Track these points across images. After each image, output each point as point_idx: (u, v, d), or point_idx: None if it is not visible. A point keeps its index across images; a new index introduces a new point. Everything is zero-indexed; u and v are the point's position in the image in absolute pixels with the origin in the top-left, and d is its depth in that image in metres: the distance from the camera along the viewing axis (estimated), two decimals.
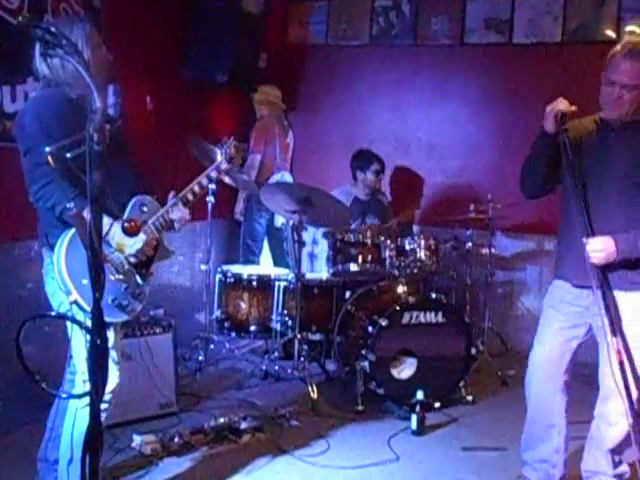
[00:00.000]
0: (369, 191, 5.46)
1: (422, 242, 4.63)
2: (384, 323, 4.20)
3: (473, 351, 4.43)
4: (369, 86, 6.16)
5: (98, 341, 1.57)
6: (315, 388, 4.31)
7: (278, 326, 4.89)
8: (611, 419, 2.98)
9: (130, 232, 2.42)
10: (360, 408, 4.19)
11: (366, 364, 4.17)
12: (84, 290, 2.51)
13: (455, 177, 5.92)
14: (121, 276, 2.72)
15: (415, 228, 5.95)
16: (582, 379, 3.22)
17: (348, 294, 4.87)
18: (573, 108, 2.86)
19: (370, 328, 4.24)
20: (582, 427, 3.20)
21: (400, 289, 4.57)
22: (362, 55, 6.16)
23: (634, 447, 2.72)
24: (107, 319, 2.53)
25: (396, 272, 4.58)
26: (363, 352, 4.21)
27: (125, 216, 2.75)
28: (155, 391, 3.89)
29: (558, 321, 3.07)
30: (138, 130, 4.83)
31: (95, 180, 1.54)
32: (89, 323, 1.62)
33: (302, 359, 4.63)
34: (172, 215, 2.88)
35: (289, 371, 4.68)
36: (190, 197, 2.95)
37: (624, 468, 3.12)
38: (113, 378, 2.72)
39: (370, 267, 4.59)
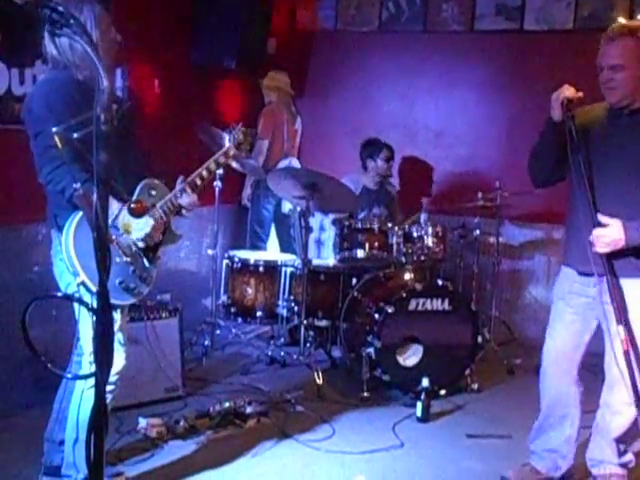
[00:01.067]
0: (379, 180, 5.44)
1: (429, 229, 4.63)
2: (390, 310, 4.19)
3: (479, 339, 4.42)
4: (378, 73, 6.12)
5: (103, 323, 1.57)
6: (320, 374, 4.32)
7: (284, 312, 4.90)
8: (616, 408, 2.97)
9: (136, 213, 2.42)
10: (365, 394, 4.19)
11: (372, 351, 4.17)
12: (92, 272, 2.48)
13: (463, 165, 5.89)
14: (128, 258, 2.72)
15: (423, 216, 5.92)
16: (589, 368, 3.21)
17: (355, 281, 4.86)
18: (579, 94, 2.84)
19: (376, 315, 4.24)
20: (588, 416, 3.19)
21: (407, 276, 4.57)
22: (371, 41, 6.12)
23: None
24: (114, 301, 2.60)
25: (403, 259, 4.57)
26: (369, 339, 4.21)
27: (134, 198, 2.73)
28: (161, 375, 3.90)
29: (568, 313, 3.05)
30: (146, 114, 4.82)
31: (102, 161, 1.53)
32: (95, 304, 1.62)
33: (308, 345, 4.64)
34: (180, 200, 2.88)
35: (295, 357, 4.70)
36: (198, 182, 2.94)
37: (629, 457, 3.13)
38: (119, 360, 2.74)
39: (377, 254, 4.58)
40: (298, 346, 4.72)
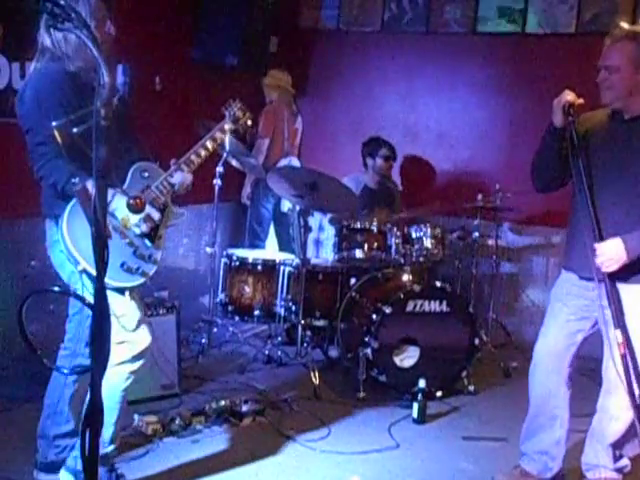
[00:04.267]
0: (379, 178, 5.44)
1: (428, 231, 4.63)
2: (388, 311, 4.19)
3: (476, 341, 4.42)
4: (379, 73, 6.12)
5: (100, 317, 1.56)
6: (317, 374, 4.31)
7: (282, 311, 4.89)
8: (613, 413, 2.98)
9: (135, 208, 2.41)
10: (362, 395, 4.19)
11: (369, 351, 4.17)
12: (91, 258, 2.50)
13: (463, 166, 5.89)
14: (127, 239, 2.71)
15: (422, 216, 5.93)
16: (586, 373, 3.21)
17: (353, 281, 4.85)
18: (580, 100, 2.85)
19: (374, 315, 4.24)
20: (584, 420, 3.19)
21: (405, 277, 4.56)
22: (373, 41, 6.12)
23: (636, 441, 2.71)
24: (119, 284, 2.64)
25: (402, 260, 4.57)
26: (366, 339, 4.20)
27: (126, 184, 2.73)
28: (157, 372, 3.89)
29: (564, 313, 3.05)
30: (146, 110, 4.81)
31: (102, 155, 1.52)
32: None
33: (305, 345, 4.64)
34: (174, 179, 2.86)
35: (292, 356, 4.70)
36: (194, 159, 2.92)
37: (625, 462, 3.13)
38: (146, 336, 2.79)
39: (376, 254, 4.58)
40: (295, 345, 4.72)
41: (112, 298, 2.57)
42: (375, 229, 4.59)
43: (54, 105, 2.52)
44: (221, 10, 5.33)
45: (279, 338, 4.94)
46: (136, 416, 3.54)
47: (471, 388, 4.40)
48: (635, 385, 2.76)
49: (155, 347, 3.84)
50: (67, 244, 2.57)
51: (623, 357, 2.74)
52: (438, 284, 4.46)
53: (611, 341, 2.84)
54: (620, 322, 2.77)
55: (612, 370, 2.85)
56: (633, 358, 2.84)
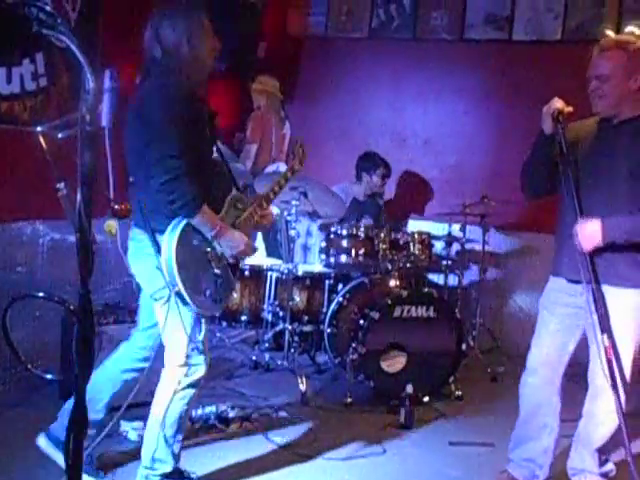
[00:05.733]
0: (370, 193, 5.47)
1: (416, 236, 4.64)
2: (375, 316, 4.19)
3: (463, 347, 4.43)
4: (367, 79, 6.14)
5: (85, 325, 1.56)
6: (305, 379, 4.31)
7: (269, 317, 4.88)
8: (599, 418, 2.98)
9: (120, 215, 2.43)
10: (349, 400, 4.19)
11: (356, 356, 4.17)
12: (189, 283, 2.64)
13: (450, 172, 5.92)
14: (218, 271, 2.79)
15: (410, 222, 5.94)
16: (571, 377, 3.22)
17: (340, 286, 4.86)
18: (569, 108, 2.88)
19: (361, 321, 4.24)
20: (570, 425, 3.20)
21: (392, 283, 4.57)
22: (361, 48, 6.14)
23: (622, 446, 2.73)
24: (203, 312, 2.76)
25: (389, 266, 4.58)
26: (354, 345, 4.21)
27: (222, 212, 2.83)
28: (144, 378, 3.87)
29: (552, 323, 3.07)
30: None
31: (87, 162, 1.52)
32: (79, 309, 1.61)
33: (292, 350, 4.63)
34: (258, 215, 3.04)
35: (279, 362, 4.69)
36: (272, 197, 3.17)
37: (610, 466, 3.14)
38: (203, 368, 2.87)
39: (363, 260, 4.58)
40: (282, 351, 4.71)
41: (195, 323, 2.80)
42: (362, 235, 4.60)
43: (182, 118, 2.63)
44: (209, 15, 5.32)
45: (266, 344, 4.93)
46: (123, 422, 3.53)
47: (458, 393, 4.41)
48: (621, 390, 2.77)
49: None
50: (172, 264, 2.60)
51: (609, 361, 2.75)
52: (425, 290, 4.48)
53: (599, 346, 2.85)
54: (606, 326, 2.78)
55: (598, 375, 2.86)
56: (619, 363, 2.86)
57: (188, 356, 2.81)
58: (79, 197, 1.47)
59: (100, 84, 4.21)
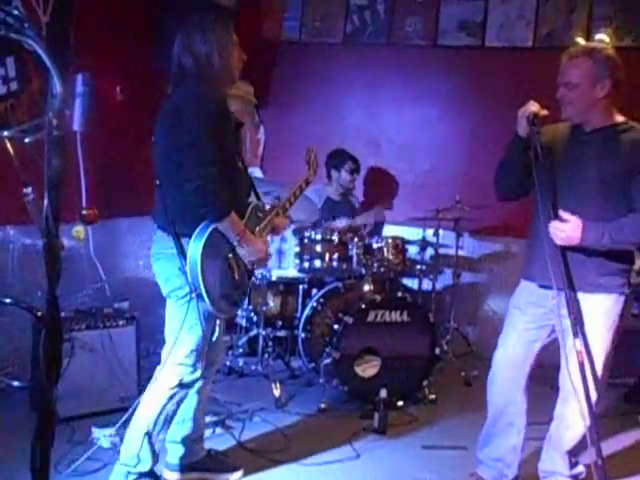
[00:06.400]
0: (342, 191, 5.47)
1: (389, 241, 4.66)
2: (349, 321, 4.20)
3: (437, 351, 4.45)
4: (342, 85, 6.16)
5: (53, 331, 1.54)
6: (279, 385, 4.31)
7: (243, 322, 4.88)
8: (569, 421, 3.01)
9: (89, 220, 2.42)
10: (323, 405, 4.19)
11: (330, 361, 4.18)
12: (209, 287, 2.73)
13: (425, 177, 5.94)
14: (237, 276, 2.88)
15: (384, 227, 5.96)
16: (543, 380, 3.25)
17: (314, 291, 4.87)
18: (545, 112, 2.90)
19: (335, 326, 4.25)
20: (541, 428, 3.23)
21: (366, 287, 4.58)
22: (335, 53, 6.15)
23: (591, 449, 2.75)
24: (219, 313, 2.87)
25: (363, 270, 4.59)
26: (328, 349, 4.21)
27: (245, 219, 2.92)
28: (116, 384, 3.85)
29: (522, 322, 3.10)
30: (108, 120, 4.77)
31: (55, 166, 1.51)
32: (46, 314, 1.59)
33: (267, 355, 4.63)
34: (274, 223, 3.15)
35: (253, 367, 4.69)
36: (287, 206, 3.28)
37: (580, 469, 3.18)
38: (199, 372, 2.96)
39: (337, 265, 4.59)
40: (256, 356, 4.71)
41: (211, 324, 2.96)
42: (336, 240, 4.61)
43: (217, 126, 2.76)
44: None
45: (240, 349, 4.92)
46: (94, 429, 3.50)
47: (432, 397, 4.43)
48: (592, 393, 2.80)
49: (114, 359, 3.84)
50: (197, 267, 2.68)
51: (581, 366, 2.77)
52: (399, 294, 4.49)
53: (568, 350, 2.88)
54: (580, 331, 2.81)
55: (569, 379, 2.88)
56: (591, 366, 2.89)
57: (189, 356, 2.89)
58: (46, 202, 1.46)
59: (72, 88, 4.18)
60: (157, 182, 2.85)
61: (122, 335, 3.93)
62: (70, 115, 4.19)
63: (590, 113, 2.91)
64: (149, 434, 2.93)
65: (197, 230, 2.72)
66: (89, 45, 4.32)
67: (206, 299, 2.74)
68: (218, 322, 3.02)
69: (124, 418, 3.00)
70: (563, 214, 2.83)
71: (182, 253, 2.74)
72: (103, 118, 4.59)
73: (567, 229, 2.80)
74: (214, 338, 3.04)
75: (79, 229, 2.63)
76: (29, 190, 1.92)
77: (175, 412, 3.01)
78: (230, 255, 2.85)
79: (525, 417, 3.16)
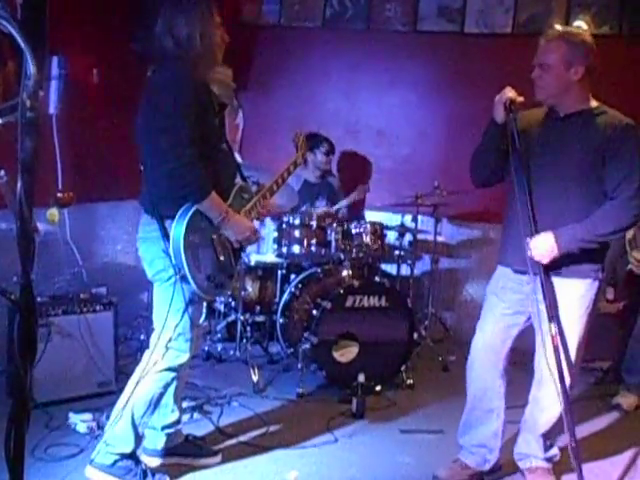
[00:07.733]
0: (319, 173, 5.46)
1: (368, 227, 4.67)
2: (328, 306, 4.21)
3: (415, 336, 4.48)
4: (321, 69, 6.13)
5: (26, 317, 1.53)
6: (257, 370, 4.32)
7: (222, 307, 4.87)
8: (544, 404, 3.05)
9: (63, 203, 2.40)
10: (301, 390, 4.20)
11: (308, 346, 4.18)
12: (194, 268, 2.74)
13: (403, 163, 5.95)
14: (222, 257, 2.88)
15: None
16: (519, 365, 3.29)
17: (293, 276, 4.86)
18: (521, 98, 2.91)
19: (314, 311, 4.25)
20: (518, 412, 3.27)
21: (344, 273, 4.59)
22: (315, 38, 6.12)
23: (566, 431, 2.79)
24: (204, 295, 2.87)
25: (341, 256, 4.59)
26: (306, 335, 4.22)
27: (229, 201, 2.91)
28: (94, 369, 3.83)
29: (500, 307, 3.12)
30: (84, 103, 4.72)
31: (28, 148, 1.49)
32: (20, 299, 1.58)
33: (245, 341, 4.62)
34: (262, 204, 3.14)
35: (231, 352, 4.69)
36: (275, 188, 3.26)
37: (554, 451, 3.22)
38: (187, 355, 2.97)
39: (315, 250, 4.59)
40: (235, 342, 4.70)
41: (198, 307, 2.98)
42: (315, 225, 4.60)
43: (193, 106, 2.73)
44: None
45: (219, 334, 4.92)
46: (71, 414, 3.49)
47: (410, 382, 4.46)
48: (567, 377, 2.83)
49: (92, 344, 3.82)
50: (180, 248, 2.69)
51: (555, 349, 2.80)
52: (377, 279, 4.50)
53: (543, 334, 2.91)
54: (554, 315, 2.84)
55: (544, 362, 2.92)
56: (566, 350, 2.93)
57: (177, 340, 2.89)
58: (19, 185, 1.44)
59: (48, 71, 4.12)
60: (141, 165, 2.85)
61: (100, 320, 3.90)
62: (46, 98, 4.13)
63: (563, 96, 2.92)
64: (133, 417, 2.92)
65: (179, 212, 2.73)
66: (65, 27, 4.25)
67: (190, 280, 2.74)
68: (204, 304, 3.06)
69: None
70: (531, 240, 2.85)
71: (166, 235, 2.74)
72: (79, 101, 4.54)
73: (541, 246, 2.83)
74: (201, 321, 3.05)
75: (53, 212, 2.60)
76: (2, 173, 1.91)
77: (162, 396, 3.00)
78: (214, 236, 2.86)
79: (503, 401, 3.19)
